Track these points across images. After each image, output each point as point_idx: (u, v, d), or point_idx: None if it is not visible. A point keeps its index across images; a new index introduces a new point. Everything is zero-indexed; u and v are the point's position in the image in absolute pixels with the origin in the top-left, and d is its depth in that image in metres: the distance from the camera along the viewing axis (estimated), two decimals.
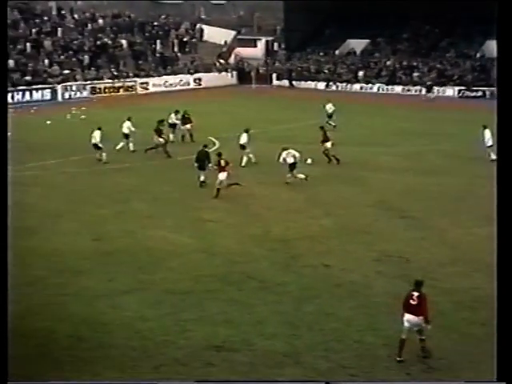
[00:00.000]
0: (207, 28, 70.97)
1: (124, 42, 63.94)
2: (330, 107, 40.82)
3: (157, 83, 60.42)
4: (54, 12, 64.91)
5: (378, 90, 61.30)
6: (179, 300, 16.57)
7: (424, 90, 57.74)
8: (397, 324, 14.10)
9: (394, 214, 23.95)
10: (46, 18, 63.11)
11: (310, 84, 63.44)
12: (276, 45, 72.09)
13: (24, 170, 29.68)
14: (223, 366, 13.57)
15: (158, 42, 66.29)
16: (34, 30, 60.15)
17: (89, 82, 56.34)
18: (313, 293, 17.07)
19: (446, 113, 47.79)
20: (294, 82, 64.11)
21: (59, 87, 54.12)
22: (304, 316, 15.79)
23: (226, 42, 70.26)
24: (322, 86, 62.99)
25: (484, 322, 14.88)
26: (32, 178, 28.70)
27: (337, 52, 67.54)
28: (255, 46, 71.54)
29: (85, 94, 55.51)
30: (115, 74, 58.91)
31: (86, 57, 59.65)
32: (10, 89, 51.30)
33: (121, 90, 57.84)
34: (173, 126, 35.71)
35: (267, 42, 72.14)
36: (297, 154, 27.42)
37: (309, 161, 29.47)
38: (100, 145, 31.05)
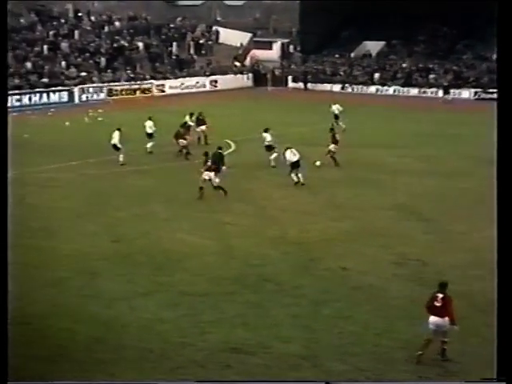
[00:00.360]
0: (223, 30, 71.13)
1: (140, 44, 64.24)
2: (336, 108, 40.83)
3: (173, 85, 60.59)
4: (71, 14, 65.31)
5: (394, 92, 61.16)
6: (196, 302, 16.63)
7: (440, 92, 57.57)
8: (414, 327, 14.11)
9: (412, 216, 23.93)
10: (63, 21, 63.50)
11: (326, 86, 63.38)
12: (292, 47, 72.08)
13: (43, 172, 29.96)
14: (240, 368, 13.61)
15: (175, 44, 66.53)
16: (51, 33, 60.58)
17: (105, 85, 56.60)
18: (330, 296, 17.07)
19: (463, 115, 47.61)
20: (309, 85, 64.09)
21: (76, 89, 54.40)
22: (321, 319, 15.80)
23: (241, 45, 70.36)
24: (337, 88, 62.94)
25: None
26: (51, 180, 28.90)
27: (352, 54, 67.47)
28: (271, 48, 71.57)
29: (102, 96, 55.75)
30: (132, 76, 59.18)
31: (103, 59, 59.99)
32: (27, 91, 51.89)
33: (137, 92, 58.07)
34: (187, 128, 35.83)
35: (283, 44, 72.16)
36: (298, 155, 27.49)
37: (317, 163, 29.65)
38: (119, 145, 31.30)
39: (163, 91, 59.72)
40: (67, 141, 37.33)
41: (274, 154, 30.27)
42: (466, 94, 57.86)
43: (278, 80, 65.68)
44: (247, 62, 69.18)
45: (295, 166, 27.51)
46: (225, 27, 71.59)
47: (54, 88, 53.26)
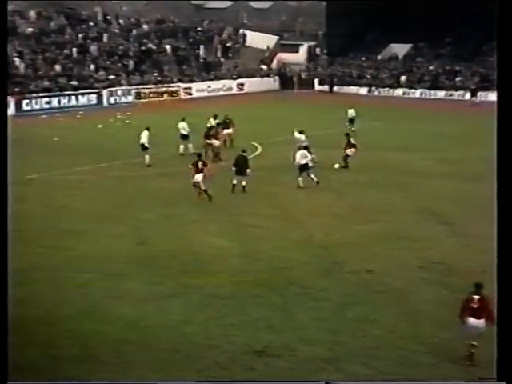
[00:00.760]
0: (250, 33, 71.30)
1: (168, 47, 64.68)
2: (351, 112, 40.90)
3: (200, 88, 60.91)
4: (100, 18, 65.95)
5: (421, 94, 60.91)
6: (222, 304, 16.75)
7: (467, 95, 57.21)
8: (440, 331, 14.08)
9: (438, 220, 23.86)
10: (92, 24, 64.17)
11: (352, 89, 63.31)
12: (318, 50, 72.08)
13: (71, 174, 30.33)
14: (264, 371, 13.68)
15: (202, 47, 66.87)
16: (80, 36, 61.25)
17: (133, 87, 57.10)
18: (355, 299, 17.10)
19: (489, 118, 47.14)
20: (335, 87, 64.04)
21: (105, 92, 54.94)
22: (346, 322, 15.84)
23: (268, 47, 70.51)
24: (364, 91, 62.85)
25: None
26: (79, 181, 29.26)
27: (379, 57, 67.29)
28: (297, 51, 71.61)
29: (130, 98, 56.22)
30: (159, 79, 59.59)
31: (131, 62, 60.51)
32: (56, 93, 52.49)
33: (165, 94, 58.45)
34: (216, 129, 35.96)
35: (309, 47, 72.17)
36: (309, 157, 27.56)
37: (336, 166, 29.82)
38: (147, 145, 31.59)
39: (190, 94, 60.05)
40: (95, 143, 37.72)
41: (311, 156, 30.51)
42: (493, 96, 57.32)
43: (304, 83, 65.72)
44: (274, 64, 69.33)
45: (303, 168, 27.57)
46: (251, 30, 71.77)
47: (82, 91, 53.86)
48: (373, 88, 62.79)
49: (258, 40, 70.61)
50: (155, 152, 32.22)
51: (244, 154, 27.54)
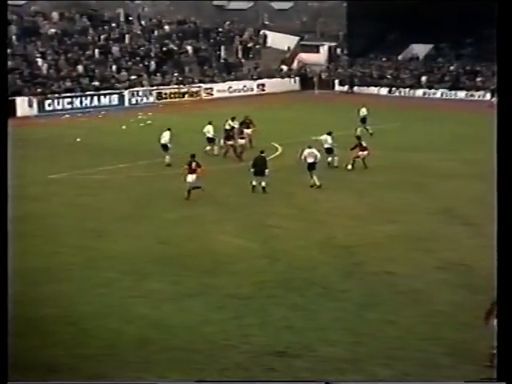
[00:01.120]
0: (271, 34, 71.33)
1: (189, 48, 64.86)
2: (363, 111, 40.71)
3: (221, 89, 61.01)
4: (122, 19, 66.30)
5: (442, 95, 60.60)
6: (242, 305, 16.79)
7: (488, 95, 56.79)
8: (460, 333, 14.03)
9: (458, 221, 23.80)
10: (114, 25, 64.52)
11: (373, 90, 63.13)
12: (339, 50, 71.89)
13: (93, 174, 30.57)
14: (284, 372, 13.69)
15: (223, 48, 66.97)
16: (102, 37, 61.60)
17: (155, 88, 57.30)
18: (375, 300, 17.10)
19: None
20: (356, 88, 63.88)
21: (126, 92, 55.23)
22: (366, 323, 15.83)
23: (289, 48, 70.49)
24: (384, 91, 62.63)
25: None
26: (101, 181, 29.48)
27: (399, 57, 67.03)
28: (318, 51, 71.50)
29: (151, 99, 56.43)
30: (180, 79, 59.80)
31: (153, 63, 60.75)
32: (78, 94, 52.86)
33: (186, 95, 58.59)
34: (239, 129, 36.03)
35: (330, 47, 72.03)
36: (318, 155, 27.65)
37: (349, 166, 29.90)
38: (169, 145, 31.78)
39: (211, 95, 60.15)
40: (117, 143, 37.94)
41: (336, 158, 30.88)
42: None
43: (324, 83, 65.62)
44: (294, 65, 69.28)
45: (311, 167, 27.62)
46: (272, 31, 71.79)
47: (104, 91, 54.16)
48: (393, 88, 62.55)
49: (279, 41, 70.62)
50: (176, 152, 32.37)
51: (263, 155, 27.60)
